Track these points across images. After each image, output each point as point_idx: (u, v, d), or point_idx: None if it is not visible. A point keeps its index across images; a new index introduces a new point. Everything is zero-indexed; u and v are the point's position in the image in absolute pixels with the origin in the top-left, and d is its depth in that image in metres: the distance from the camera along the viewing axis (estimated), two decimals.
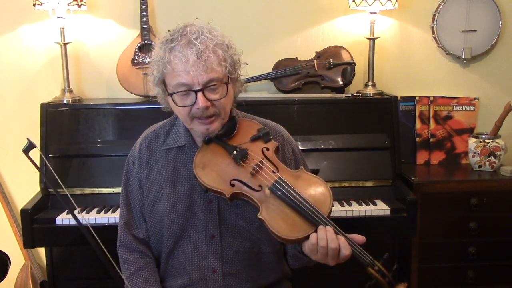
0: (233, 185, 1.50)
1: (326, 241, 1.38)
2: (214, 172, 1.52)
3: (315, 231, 1.41)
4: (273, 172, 1.51)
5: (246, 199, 1.50)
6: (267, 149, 1.56)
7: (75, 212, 1.45)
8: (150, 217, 1.66)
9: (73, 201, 1.26)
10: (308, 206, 1.43)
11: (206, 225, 1.61)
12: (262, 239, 1.63)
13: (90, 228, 1.24)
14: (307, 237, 1.42)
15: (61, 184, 1.24)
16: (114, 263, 1.44)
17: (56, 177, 1.25)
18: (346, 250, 1.39)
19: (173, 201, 1.61)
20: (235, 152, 1.53)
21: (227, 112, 1.55)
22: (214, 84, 1.47)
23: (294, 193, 1.46)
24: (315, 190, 1.49)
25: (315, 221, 1.42)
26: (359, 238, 1.44)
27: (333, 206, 1.50)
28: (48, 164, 1.30)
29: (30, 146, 1.22)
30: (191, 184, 1.61)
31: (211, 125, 1.52)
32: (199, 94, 1.46)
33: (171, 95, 1.50)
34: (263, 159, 1.53)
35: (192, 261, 1.62)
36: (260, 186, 1.49)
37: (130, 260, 1.65)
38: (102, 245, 1.55)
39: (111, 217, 2.22)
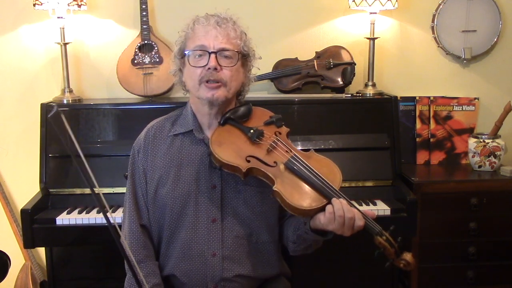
0: (248, 161, 1.58)
1: (343, 211, 1.47)
2: (231, 149, 1.61)
3: (329, 203, 1.50)
4: (287, 151, 1.60)
5: (261, 176, 1.58)
6: (280, 133, 1.67)
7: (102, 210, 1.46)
8: (153, 203, 1.69)
9: (104, 200, 1.29)
10: (322, 180, 1.53)
11: (208, 209, 1.65)
12: (262, 227, 1.69)
13: (118, 228, 1.28)
14: (320, 209, 1.50)
15: (95, 182, 1.24)
16: (136, 265, 1.48)
17: (90, 172, 1.24)
18: (360, 221, 1.48)
19: (176, 185, 1.66)
20: (252, 131, 1.63)
21: (233, 86, 1.65)
22: (227, 51, 1.61)
23: (308, 168, 1.56)
24: (327, 168, 1.61)
25: (328, 194, 1.51)
26: (371, 212, 1.54)
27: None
28: (84, 160, 1.27)
29: (56, 113, 1.22)
30: (196, 169, 1.67)
31: (216, 91, 1.61)
32: (212, 55, 1.60)
33: (187, 53, 1.64)
34: (277, 139, 1.63)
35: (193, 245, 1.65)
36: (275, 162, 1.58)
37: (132, 252, 1.65)
38: (127, 247, 1.57)
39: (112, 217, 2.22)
